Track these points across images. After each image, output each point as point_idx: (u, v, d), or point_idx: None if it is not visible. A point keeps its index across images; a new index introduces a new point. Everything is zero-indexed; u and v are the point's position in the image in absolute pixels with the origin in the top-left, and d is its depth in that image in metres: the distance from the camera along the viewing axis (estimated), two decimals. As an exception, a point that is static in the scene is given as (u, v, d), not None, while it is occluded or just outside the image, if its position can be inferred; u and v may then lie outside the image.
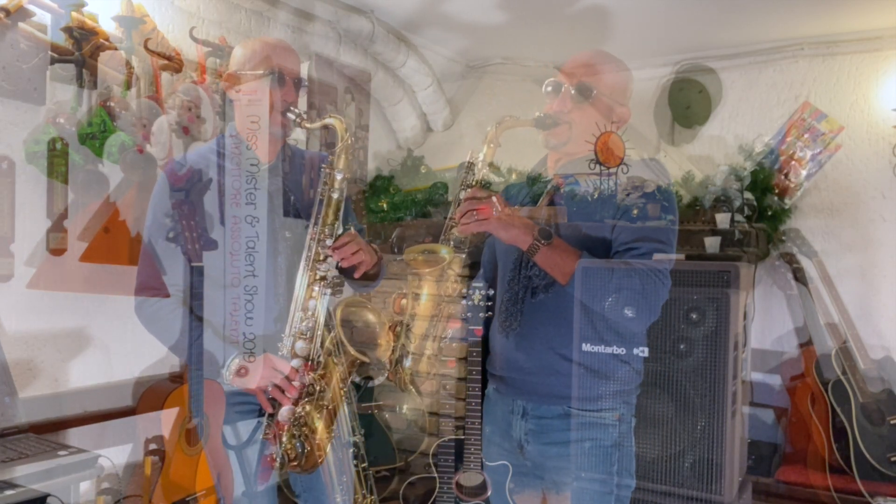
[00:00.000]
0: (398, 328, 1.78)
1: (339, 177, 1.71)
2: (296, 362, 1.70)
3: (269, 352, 1.73)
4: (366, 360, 1.76)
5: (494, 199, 1.67)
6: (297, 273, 1.74)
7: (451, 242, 1.76)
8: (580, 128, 1.75)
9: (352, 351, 1.75)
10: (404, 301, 1.77)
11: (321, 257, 1.71)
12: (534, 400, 1.79)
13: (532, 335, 1.78)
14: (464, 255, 1.77)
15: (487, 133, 1.80)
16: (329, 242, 1.71)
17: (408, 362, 1.75)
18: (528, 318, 1.78)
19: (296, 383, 1.69)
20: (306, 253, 1.72)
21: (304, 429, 1.69)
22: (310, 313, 1.71)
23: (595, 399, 1.74)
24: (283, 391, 1.69)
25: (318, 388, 1.71)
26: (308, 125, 1.75)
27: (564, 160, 1.82)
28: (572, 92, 1.75)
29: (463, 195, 1.73)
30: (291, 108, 1.75)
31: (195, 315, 1.73)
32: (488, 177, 1.92)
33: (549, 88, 1.80)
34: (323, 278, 1.71)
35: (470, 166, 1.79)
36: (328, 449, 1.72)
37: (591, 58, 1.79)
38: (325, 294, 1.72)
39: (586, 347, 1.74)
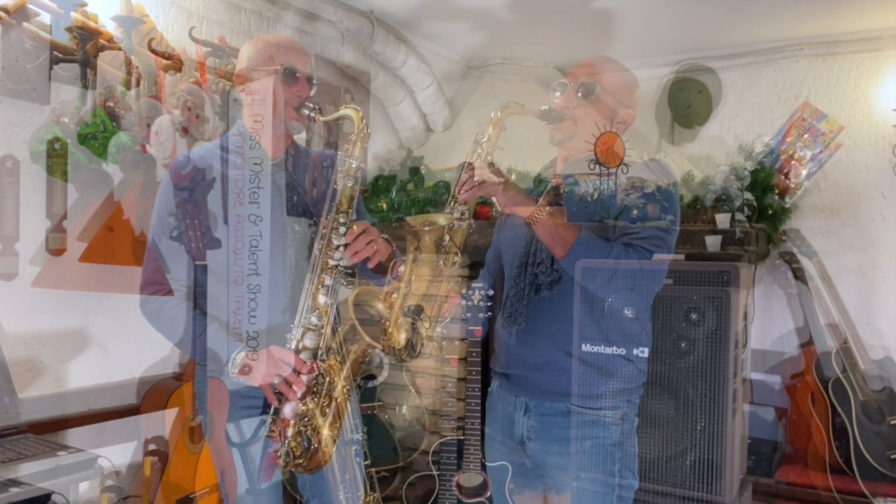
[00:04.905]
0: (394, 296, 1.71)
1: (354, 164, 1.69)
2: (304, 355, 1.66)
3: (278, 345, 1.67)
4: (378, 346, 1.70)
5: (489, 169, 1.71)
6: (307, 266, 1.70)
7: (453, 214, 1.75)
8: (584, 125, 1.79)
9: (366, 337, 1.69)
10: (402, 268, 1.73)
11: (334, 246, 1.67)
12: (537, 397, 1.80)
13: (536, 331, 1.79)
14: (464, 225, 1.74)
15: (493, 116, 1.81)
16: (342, 230, 1.67)
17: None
18: (532, 314, 1.79)
19: (303, 377, 1.64)
20: (318, 242, 1.68)
21: (310, 425, 1.65)
22: (320, 304, 1.67)
23: (598, 397, 1.75)
24: (289, 385, 1.63)
25: (326, 381, 1.66)
26: (323, 118, 1.73)
27: (572, 158, 1.85)
28: (577, 90, 1.81)
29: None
30: (306, 104, 1.74)
31: (200, 311, 1.72)
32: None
33: (556, 90, 1.86)
34: (335, 267, 1.67)
35: (475, 144, 1.79)
36: (333, 448, 1.70)
37: (596, 60, 1.86)
38: (336, 284, 1.68)
39: (588, 347, 1.75)
